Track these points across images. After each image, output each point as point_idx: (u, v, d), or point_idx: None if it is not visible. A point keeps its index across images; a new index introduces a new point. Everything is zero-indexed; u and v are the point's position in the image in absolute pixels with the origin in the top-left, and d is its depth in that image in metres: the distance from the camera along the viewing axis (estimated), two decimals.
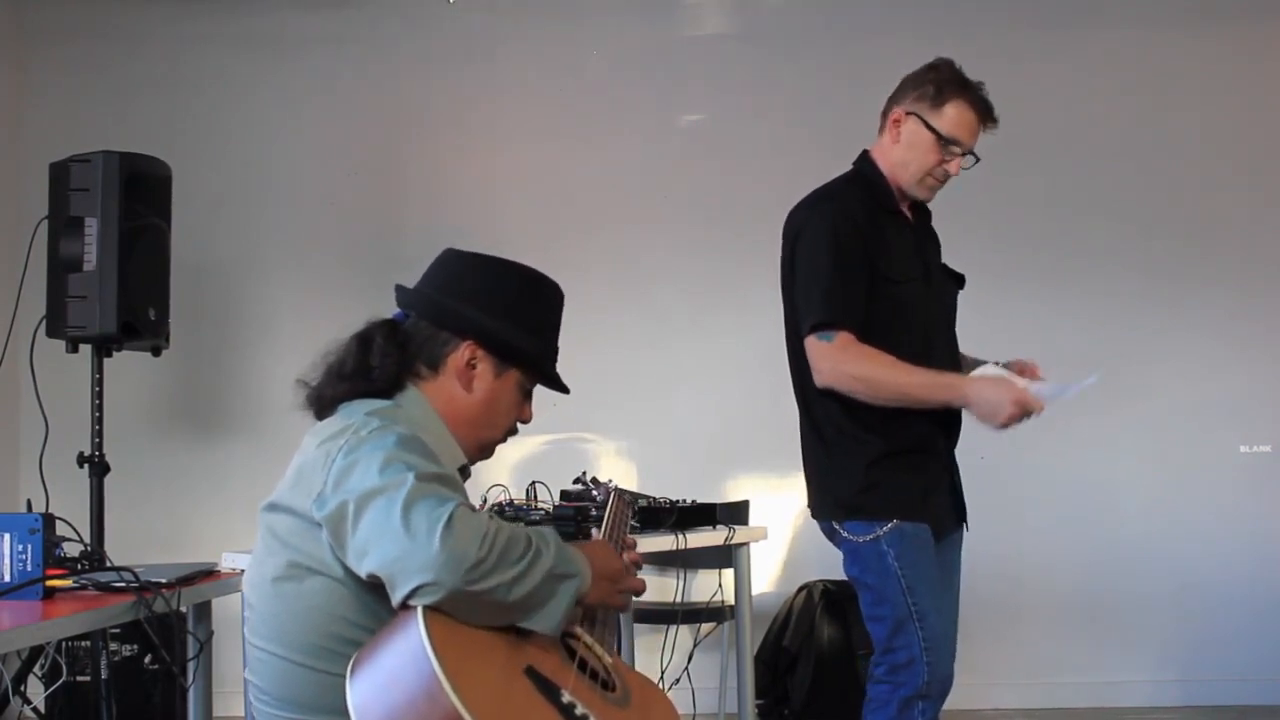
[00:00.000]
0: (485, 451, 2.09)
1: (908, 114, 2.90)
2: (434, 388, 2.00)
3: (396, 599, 1.70)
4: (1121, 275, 5.28)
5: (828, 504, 2.89)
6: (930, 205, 3.14)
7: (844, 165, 3.09)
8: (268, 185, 5.42)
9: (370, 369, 1.97)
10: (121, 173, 4.10)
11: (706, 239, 5.21)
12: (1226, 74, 5.34)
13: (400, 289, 2.09)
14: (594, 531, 2.33)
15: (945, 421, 2.90)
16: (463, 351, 2.00)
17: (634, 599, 1.99)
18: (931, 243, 3.07)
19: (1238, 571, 5.15)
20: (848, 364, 2.75)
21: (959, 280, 3.11)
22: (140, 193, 4.18)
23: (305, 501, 1.82)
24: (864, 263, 2.79)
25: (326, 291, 5.31)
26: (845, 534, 2.84)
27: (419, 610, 1.67)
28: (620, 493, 2.64)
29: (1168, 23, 5.37)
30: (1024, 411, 2.69)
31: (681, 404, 5.27)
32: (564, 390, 2.12)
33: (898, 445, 2.81)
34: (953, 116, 2.88)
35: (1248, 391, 5.23)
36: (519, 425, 2.11)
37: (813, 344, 2.79)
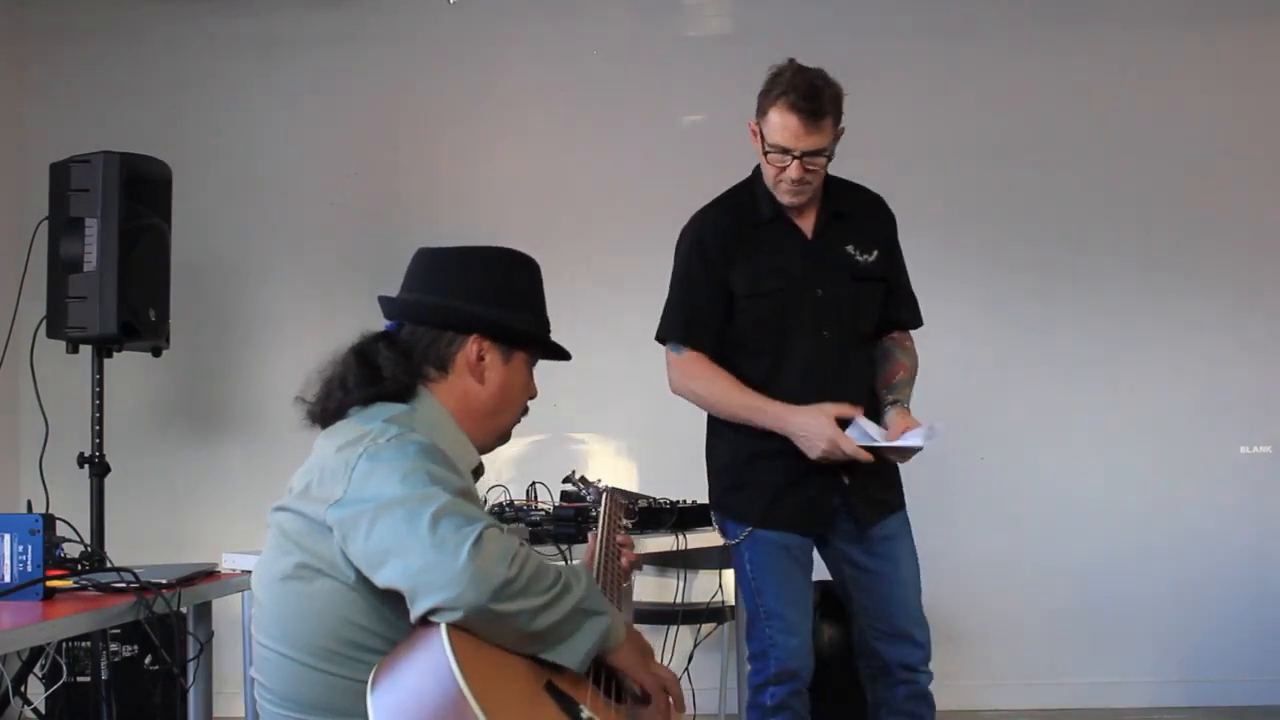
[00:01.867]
0: (504, 437, 2.11)
1: (756, 125, 2.98)
2: (445, 388, 2.01)
3: (416, 612, 1.69)
4: (1121, 275, 5.27)
5: (711, 499, 3.14)
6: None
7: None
8: (268, 185, 5.41)
9: (380, 377, 1.97)
10: (121, 173, 4.10)
11: None
12: (1226, 74, 5.33)
13: (386, 300, 2.08)
14: (589, 537, 2.32)
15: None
16: (470, 347, 2.01)
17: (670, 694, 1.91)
18: (843, 242, 3.03)
19: (1238, 571, 5.15)
20: (691, 379, 3.03)
21: (874, 280, 3.07)
22: (140, 193, 4.18)
23: (320, 507, 1.81)
24: (715, 283, 3.00)
25: (326, 291, 5.31)
26: (724, 534, 3.10)
27: (443, 625, 1.66)
28: (612, 493, 2.64)
29: (1168, 23, 5.36)
30: (837, 452, 2.84)
31: (681, 404, 5.23)
32: (566, 356, 2.14)
33: (762, 446, 2.96)
34: (773, 123, 2.90)
35: (1248, 391, 5.23)
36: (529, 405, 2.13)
37: (667, 353, 3.07)
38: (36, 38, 5.45)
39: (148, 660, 4.42)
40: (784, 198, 2.98)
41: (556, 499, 3.48)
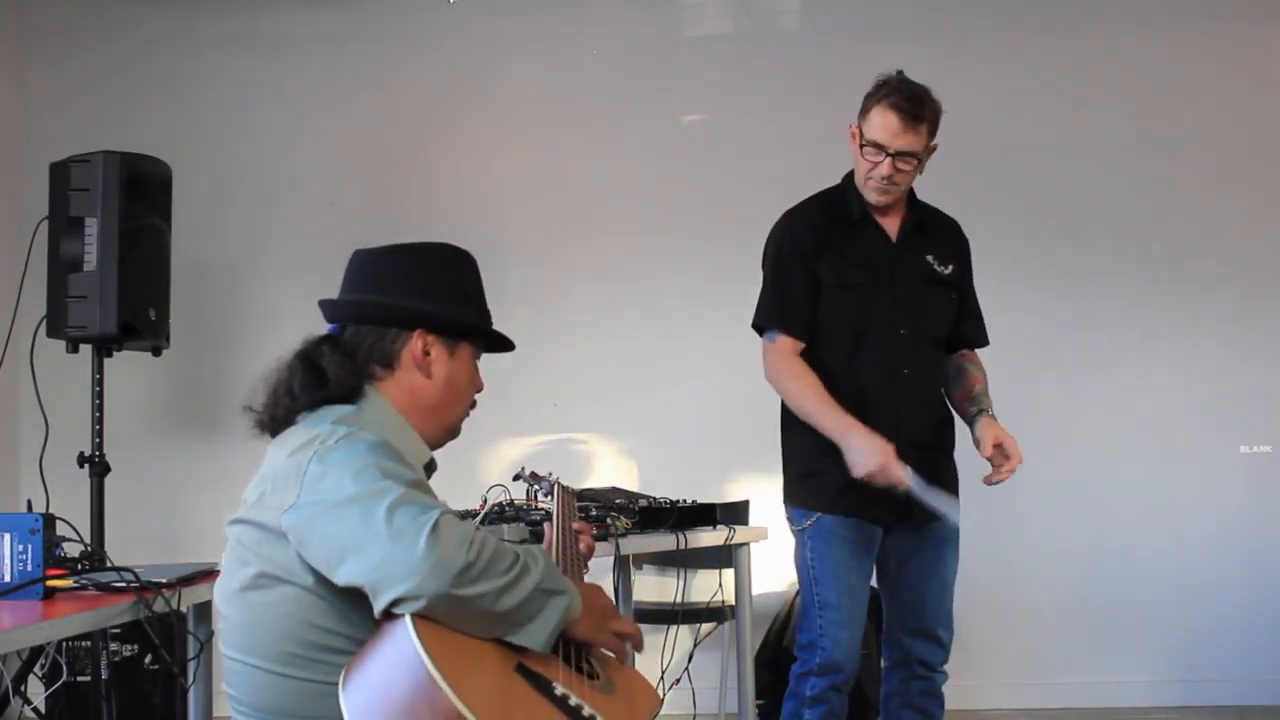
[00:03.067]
0: (453, 432, 2.11)
1: (856, 126, 3.11)
2: (393, 385, 2.02)
3: (379, 606, 1.70)
4: (1121, 276, 5.28)
5: (785, 488, 3.22)
6: (935, 204, 3.30)
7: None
8: (268, 185, 5.41)
9: (325, 381, 1.97)
10: (121, 173, 4.10)
11: (707, 238, 5.21)
12: (1226, 74, 5.33)
13: (327, 303, 2.09)
14: (545, 527, 2.33)
15: (893, 420, 3.05)
16: (415, 342, 2.02)
17: (629, 646, 1.96)
18: (923, 250, 3.20)
19: (1238, 571, 5.14)
20: (778, 370, 3.12)
21: (950, 287, 3.24)
22: (140, 193, 4.18)
23: (274, 514, 1.81)
24: (808, 273, 3.12)
25: (326, 292, 5.25)
26: (791, 524, 3.19)
27: (407, 616, 1.66)
28: (564, 486, 2.66)
29: (1167, 23, 5.36)
30: (885, 473, 2.93)
31: (682, 404, 5.27)
32: (510, 347, 2.14)
33: (831, 440, 3.03)
34: (873, 122, 3.05)
35: (1248, 391, 5.23)
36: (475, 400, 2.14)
37: (763, 342, 3.18)
38: (36, 38, 5.45)
39: (148, 660, 4.41)
40: (871, 195, 3.12)
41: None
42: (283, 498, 1.81)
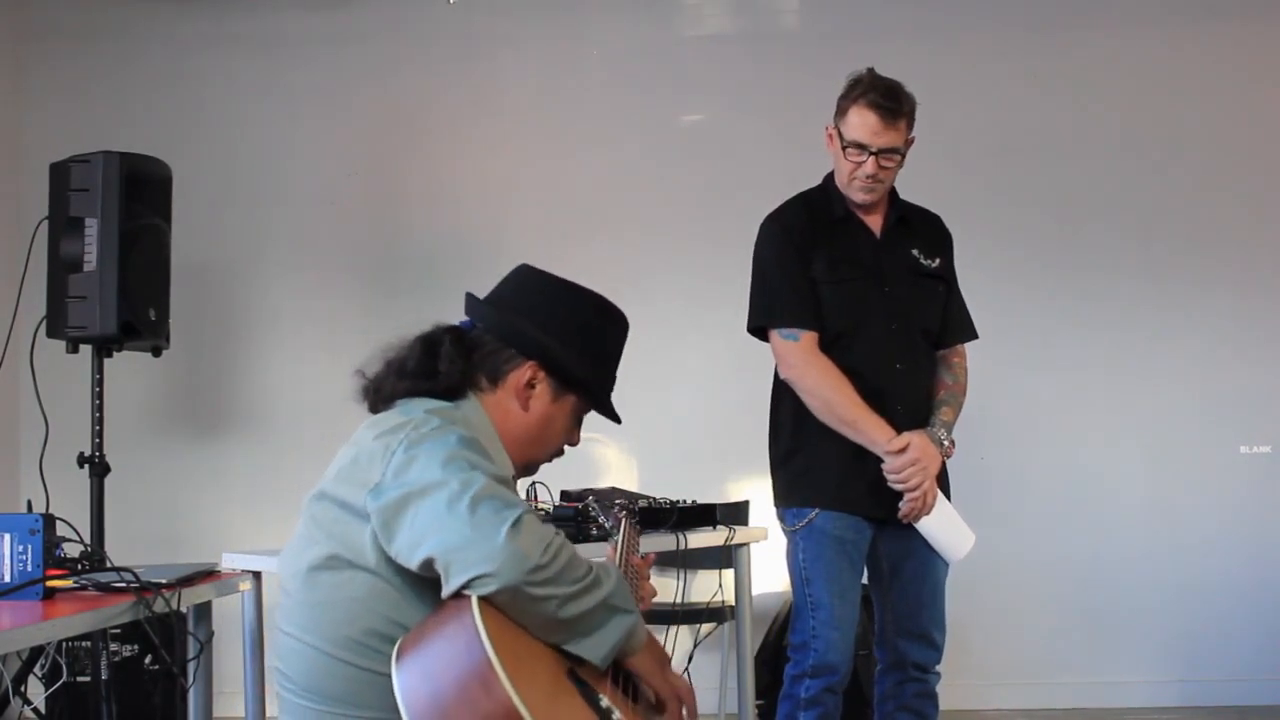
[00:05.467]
0: (530, 469, 2.11)
1: (834, 128, 3.12)
2: (491, 401, 2.01)
3: (450, 587, 1.70)
4: (1121, 276, 5.28)
5: (775, 489, 3.21)
6: (924, 202, 3.32)
7: None
8: (268, 185, 5.41)
9: (435, 372, 1.98)
10: (121, 173, 4.10)
11: (706, 238, 5.21)
12: (1226, 74, 5.33)
13: (471, 298, 2.10)
14: (608, 552, 2.32)
15: (886, 415, 3.06)
16: (524, 371, 2.01)
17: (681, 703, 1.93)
18: (908, 245, 3.20)
19: (1238, 571, 5.14)
20: (809, 368, 3.07)
21: (937, 280, 3.23)
22: (140, 193, 4.19)
23: (359, 492, 1.81)
24: (807, 267, 3.11)
25: (326, 292, 5.31)
26: (783, 524, 3.18)
27: (473, 599, 1.67)
28: (630, 518, 2.64)
29: (1167, 23, 5.36)
30: (922, 487, 3.00)
31: (682, 404, 5.27)
32: (617, 420, 2.15)
33: (829, 432, 3.06)
34: (851, 122, 3.06)
35: (1248, 391, 5.23)
36: (565, 448, 2.13)
37: (775, 339, 3.13)
38: (36, 38, 5.45)
39: (148, 660, 4.42)
40: (856, 195, 3.12)
41: (556, 499, 3.47)
42: (367, 475, 1.81)
